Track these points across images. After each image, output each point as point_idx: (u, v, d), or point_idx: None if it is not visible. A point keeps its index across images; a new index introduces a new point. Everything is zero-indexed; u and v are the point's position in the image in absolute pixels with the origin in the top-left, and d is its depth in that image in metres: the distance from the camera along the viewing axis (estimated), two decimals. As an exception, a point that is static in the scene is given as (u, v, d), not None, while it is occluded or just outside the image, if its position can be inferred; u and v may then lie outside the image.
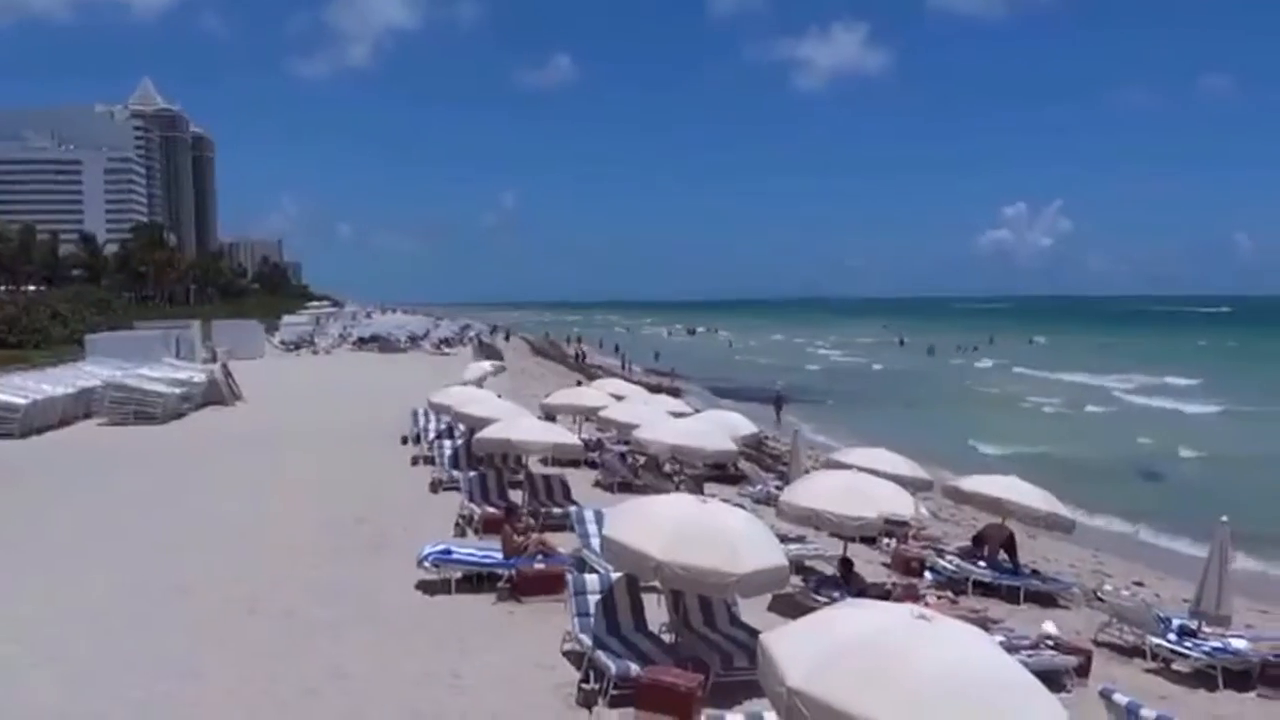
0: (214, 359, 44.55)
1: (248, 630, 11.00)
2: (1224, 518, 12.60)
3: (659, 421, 20.45)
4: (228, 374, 35.30)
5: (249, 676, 9.58)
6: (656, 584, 10.10)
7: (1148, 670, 12.00)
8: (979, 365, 75.42)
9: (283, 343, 68.21)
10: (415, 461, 22.01)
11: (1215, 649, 11.80)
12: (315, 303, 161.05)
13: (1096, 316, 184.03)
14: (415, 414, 25.00)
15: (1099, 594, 13.89)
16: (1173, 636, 12.13)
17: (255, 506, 17.57)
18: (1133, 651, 12.51)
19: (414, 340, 72.21)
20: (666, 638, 10.51)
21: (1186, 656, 11.88)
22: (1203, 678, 11.72)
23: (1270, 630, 14.08)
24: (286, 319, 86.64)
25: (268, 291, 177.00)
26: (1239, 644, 11.94)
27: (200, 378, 33.77)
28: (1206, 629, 12.22)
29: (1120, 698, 8.41)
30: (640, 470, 21.14)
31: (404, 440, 24.47)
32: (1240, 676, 11.65)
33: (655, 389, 36.44)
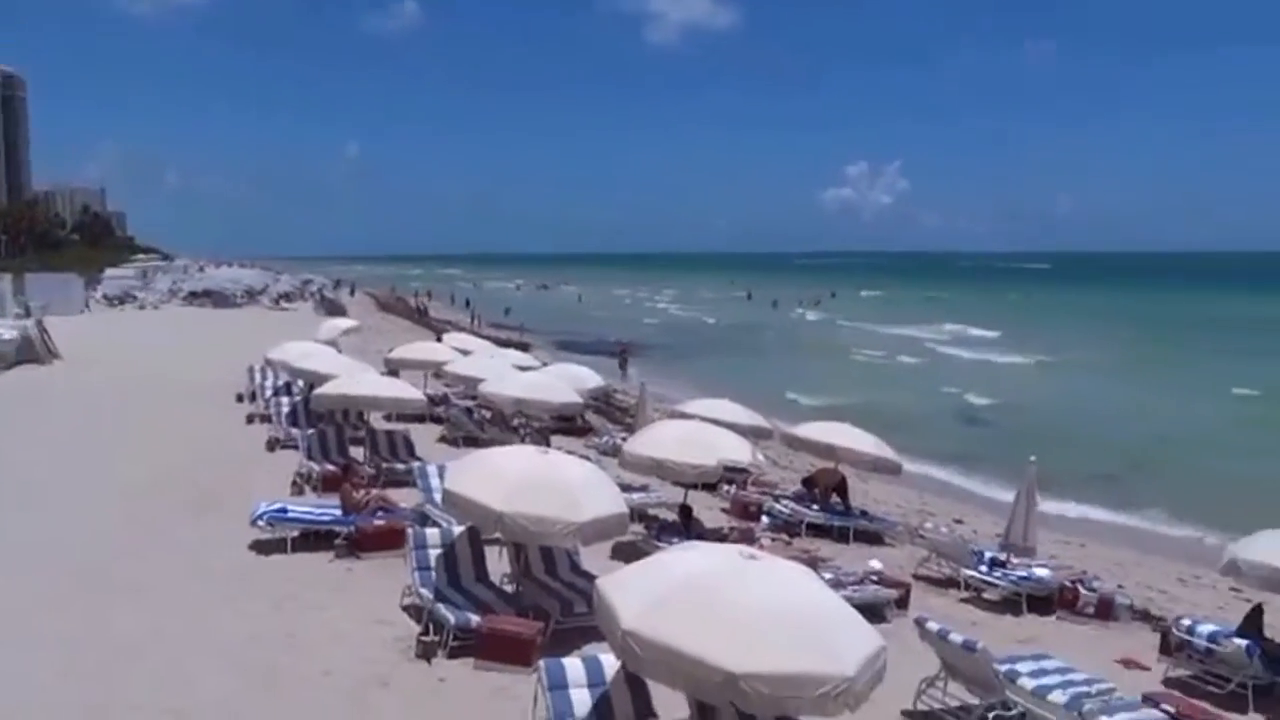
0: (27, 315, 41.49)
1: (66, 594, 10.41)
2: (1032, 458, 13.60)
3: (505, 375, 20.34)
4: (43, 331, 32.93)
5: (67, 640, 9.09)
6: (499, 535, 10.13)
7: (962, 600, 12.90)
8: (810, 319, 79.35)
9: (105, 297, 64.08)
10: (251, 420, 21.23)
11: (1021, 578, 12.78)
12: (142, 255, 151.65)
13: (928, 272, 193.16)
14: (251, 370, 24.12)
15: (920, 532, 14.78)
16: (984, 568, 13.08)
17: (75, 467, 16.60)
18: (948, 583, 13.41)
19: (251, 295, 69.18)
20: (508, 588, 10.58)
21: (996, 585, 12.84)
22: (1010, 604, 12.69)
23: (1069, 559, 15.36)
24: (110, 272, 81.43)
25: (89, 243, 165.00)
26: (1042, 572, 12.97)
27: (11, 335, 31.38)
28: (1014, 560, 13.21)
29: (933, 625, 9.01)
30: (486, 424, 21.05)
31: (239, 398, 23.56)
32: (1043, 601, 12.68)
33: (504, 343, 36.17)
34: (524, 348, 36.59)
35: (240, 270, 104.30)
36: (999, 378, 42.76)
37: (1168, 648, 10.91)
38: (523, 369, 22.37)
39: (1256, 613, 10.70)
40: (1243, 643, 10.13)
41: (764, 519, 15.86)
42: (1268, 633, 10.68)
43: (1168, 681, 10.43)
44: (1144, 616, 12.80)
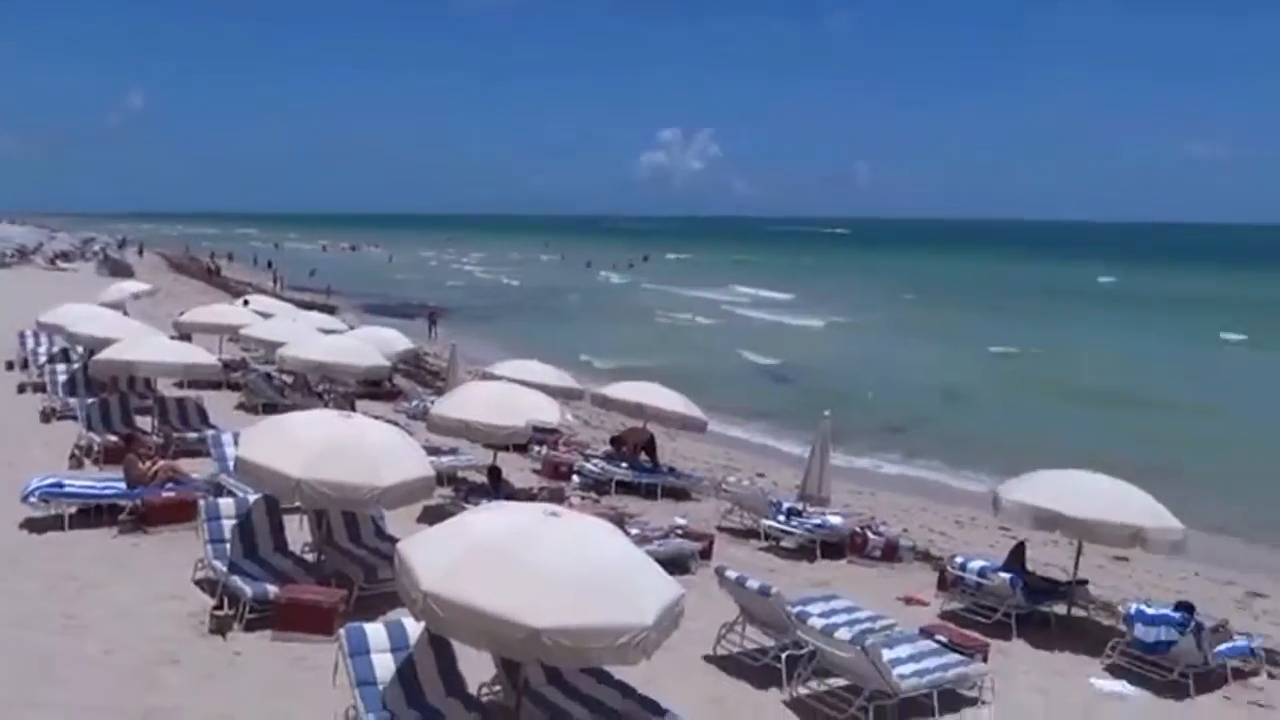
0: None
1: None
2: (826, 413, 14.35)
3: (307, 339, 19.57)
4: None
5: None
6: (298, 503, 9.81)
7: (761, 549, 13.51)
8: (615, 281, 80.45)
9: None
10: (22, 389, 19.63)
11: (815, 526, 13.51)
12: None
13: (738, 237, 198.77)
14: (22, 335, 22.26)
15: (723, 486, 15.34)
16: (781, 518, 13.72)
17: None
18: (749, 533, 14.02)
19: (23, 254, 63.51)
20: (310, 557, 10.29)
21: (792, 534, 13.52)
22: (805, 551, 13.40)
23: (861, 507, 16.35)
24: None
25: None
26: (834, 520, 13.74)
27: None
28: (810, 509, 13.92)
29: (731, 573, 9.42)
30: (287, 390, 20.25)
31: (9, 365, 21.79)
32: (835, 547, 13.44)
33: (308, 306, 34.82)
34: (330, 310, 35.35)
35: (10, 227, 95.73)
36: (794, 339, 44.80)
37: (944, 584, 11.84)
38: (327, 332, 21.60)
39: (1019, 549, 11.74)
40: (1007, 576, 11.11)
41: (574, 478, 16.04)
42: (1029, 566, 11.75)
43: (943, 615, 11.30)
44: (925, 557, 13.78)
